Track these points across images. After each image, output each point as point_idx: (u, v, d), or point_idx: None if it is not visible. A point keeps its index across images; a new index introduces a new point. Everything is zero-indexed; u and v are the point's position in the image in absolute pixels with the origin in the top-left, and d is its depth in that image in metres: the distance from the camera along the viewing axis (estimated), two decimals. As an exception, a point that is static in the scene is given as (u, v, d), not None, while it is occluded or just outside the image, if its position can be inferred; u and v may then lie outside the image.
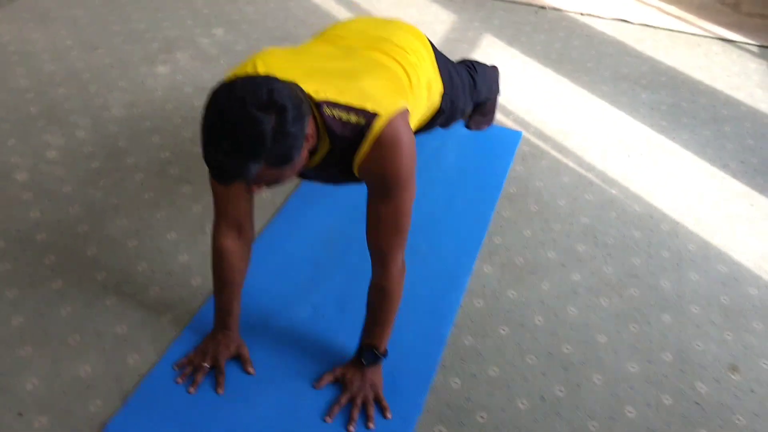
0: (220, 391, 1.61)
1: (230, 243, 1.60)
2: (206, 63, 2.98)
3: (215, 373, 1.64)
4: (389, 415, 1.57)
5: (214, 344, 1.67)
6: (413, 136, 1.43)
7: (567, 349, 1.80)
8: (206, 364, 1.64)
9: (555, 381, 1.71)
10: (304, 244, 2.06)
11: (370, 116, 1.36)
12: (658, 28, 3.61)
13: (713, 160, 2.60)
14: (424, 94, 1.72)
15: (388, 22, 1.85)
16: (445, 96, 1.85)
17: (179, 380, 1.63)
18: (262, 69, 1.43)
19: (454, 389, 1.68)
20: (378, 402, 1.60)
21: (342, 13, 3.53)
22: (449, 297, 1.91)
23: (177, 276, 1.93)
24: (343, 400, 1.60)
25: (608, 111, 2.85)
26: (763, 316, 1.94)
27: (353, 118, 1.35)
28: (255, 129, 1.17)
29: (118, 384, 1.64)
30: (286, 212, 2.18)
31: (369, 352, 1.60)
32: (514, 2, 3.77)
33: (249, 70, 1.45)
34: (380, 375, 1.63)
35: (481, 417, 1.61)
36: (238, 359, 1.68)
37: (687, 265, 2.10)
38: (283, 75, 1.34)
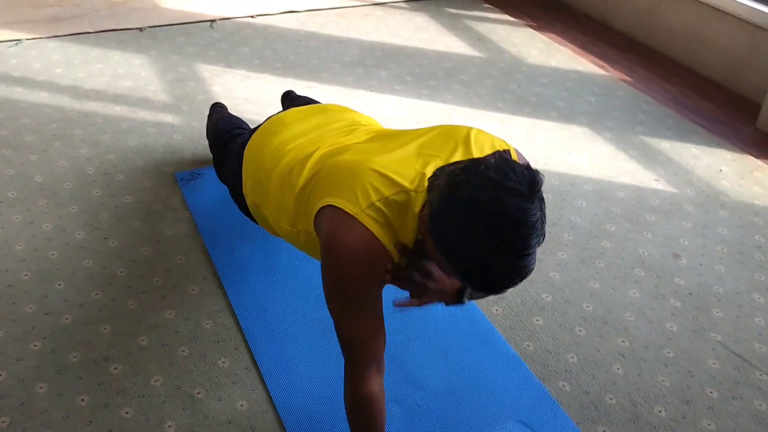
0: None
1: (378, 387, 1.41)
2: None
3: None
4: None
5: None
6: None
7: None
8: None
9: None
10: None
11: None
12: (324, 9, 3.83)
13: (485, 105, 3.00)
14: None
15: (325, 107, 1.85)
16: None
17: None
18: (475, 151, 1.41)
19: None
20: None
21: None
22: None
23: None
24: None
25: (370, 97, 3.01)
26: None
27: None
28: (543, 221, 1.12)
29: None
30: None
31: None
32: (184, 23, 3.57)
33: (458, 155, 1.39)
34: None
35: None
36: None
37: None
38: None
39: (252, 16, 3.71)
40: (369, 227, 1.31)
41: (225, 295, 1.97)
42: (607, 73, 3.33)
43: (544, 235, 1.18)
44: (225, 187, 2.36)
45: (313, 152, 1.60)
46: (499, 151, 1.38)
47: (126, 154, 2.53)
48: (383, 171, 1.37)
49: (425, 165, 1.38)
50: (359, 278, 1.33)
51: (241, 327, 1.87)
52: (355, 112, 1.85)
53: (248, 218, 1.95)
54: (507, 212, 1.14)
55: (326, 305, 1.41)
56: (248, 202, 1.80)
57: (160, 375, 1.74)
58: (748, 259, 2.23)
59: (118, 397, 1.68)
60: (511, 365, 1.82)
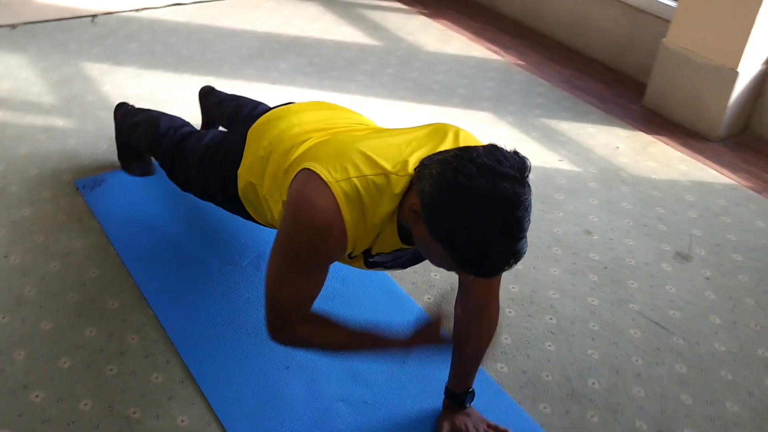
0: None
1: (305, 321, 1.43)
2: None
3: None
4: None
5: None
6: None
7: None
8: None
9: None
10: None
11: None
12: (213, 1, 3.69)
13: (390, 95, 3.00)
14: None
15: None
16: None
17: None
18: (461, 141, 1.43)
19: None
20: (497, 430, 1.63)
21: None
22: None
23: None
24: None
25: (273, 89, 2.94)
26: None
27: None
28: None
29: None
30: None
31: (469, 395, 1.63)
32: (61, 19, 3.34)
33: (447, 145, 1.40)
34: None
35: None
36: None
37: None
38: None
39: (136, 10, 3.52)
40: (338, 199, 1.30)
41: (148, 306, 1.87)
42: (501, 59, 3.41)
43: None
44: (134, 192, 2.25)
45: (312, 137, 1.58)
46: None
47: (17, 163, 2.34)
48: (368, 152, 1.36)
49: (411, 153, 1.37)
50: (309, 246, 1.32)
51: (170, 339, 1.79)
52: (358, 114, 1.83)
53: (226, 206, 1.88)
54: (504, 197, 1.16)
55: (264, 283, 1.40)
56: (240, 182, 1.72)
57: (89, 398, 1.63)
58: (653, 231, 2.36)
59: (43, 427, 1.55)
60: (446, 351, 1.84)
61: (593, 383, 1.80)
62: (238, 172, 1.72)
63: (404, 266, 1.59)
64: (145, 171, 2.32)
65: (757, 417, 1.76)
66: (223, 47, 3.24)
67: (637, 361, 1.88)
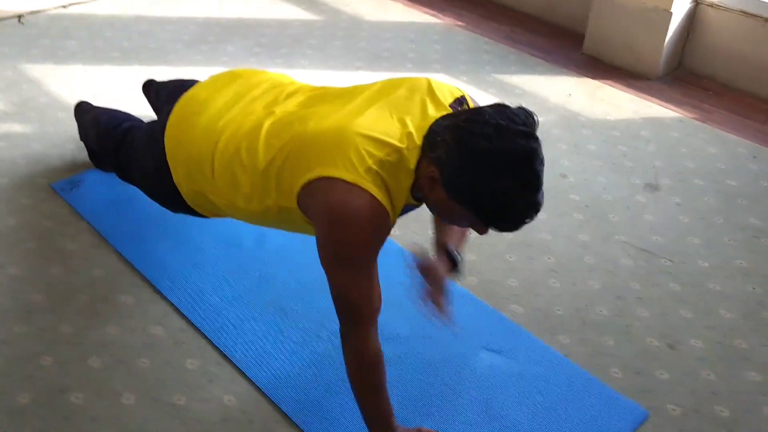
0: None
1: (379, 344, 1.44)
2: None
3: None
4: None
5: None
6: None
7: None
8: None
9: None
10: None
11: None
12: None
13: (344, 66, 3.03)
14: None
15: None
16: None
17: None
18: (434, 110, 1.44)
19: None
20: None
21: None
22: None
23: None
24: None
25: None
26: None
27: None
28: None
29: None
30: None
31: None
32: (-14, 22, 3.19)
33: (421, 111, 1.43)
34: None
35: None
36: None
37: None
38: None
39: (64, 6, 3.39)
40: (371, 191, 1.32)
41: (164, 298, 1.86)
42: (441, 21, 3.49)
43: None
44: (116, 188, 2.21)
45: (258, 125, 1.54)
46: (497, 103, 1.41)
47: (-15, 174, 2.26)
48: (370, 134, 1.37)
49: (403, 123, 1.40)
50: (368, 242, 1.35)
51: (195, 325, 1.79)
52: (264, 72, 1.80)
53: (174, 210, 1.86)
54: (522, 153, 1.23)
55: (332, 297, 1.41)
56: (184, 191, 1.70)
57: (129, 392, 1.62)
58: (620, 167, 2.50)
59: (93, 425, 1.55)
60: (465, 301, 1.92)
61: (601, 311, 1.93)
62: (175, 180, 1.70)
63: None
64: None
65: (750, 320, 1.93)
66: (164, 36, 3.17)
67: (634, 285, 2.01)
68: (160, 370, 1.68)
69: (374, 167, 1.33)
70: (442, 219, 1.41)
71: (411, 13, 3.55)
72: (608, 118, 2.79)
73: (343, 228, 1.33)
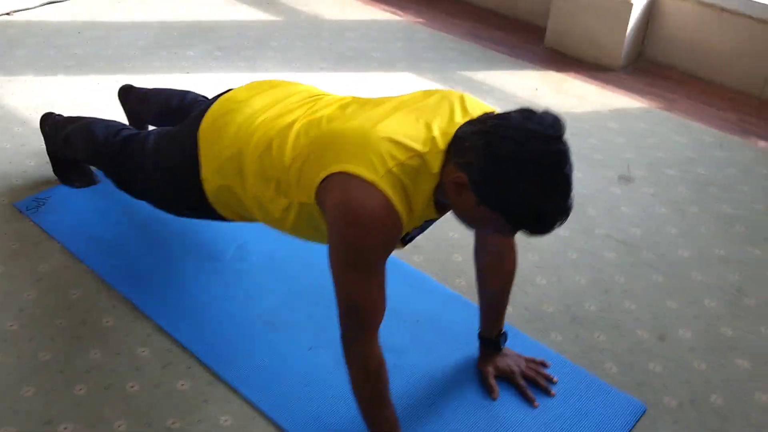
0: None
1: (381, 352, 1.42)
2: None
3: None
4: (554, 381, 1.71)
5: None
6: None
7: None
8: None
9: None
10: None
11: None
12: (89, -5, 3.47)
13: (309, 67, 2.98)
14: None
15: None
16: None
17: None
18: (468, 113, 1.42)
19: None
20: (535, 363, 1.73)
21: None
22: None
23: None
24: (522, 381, 1.68)
25: (188, 78, 2.84)
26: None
27: None
28: None
29: None
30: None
31: (502, 337, 1.71)
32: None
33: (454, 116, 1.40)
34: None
35: None
36: None
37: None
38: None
39: (7, 14, 3.25)
40: (387, 193, 1.30)
41: (146, 317, 1.80)
42: (402, 18, 3.47)
43: None
44: (84, 204, 2.13)
45: (290, 123, 1.53)
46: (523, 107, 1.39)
47: (-58, 195, 2.14)
48: (393, 137, 1.35)
49: (429, 127, 1.37)
50: (378, 244, 1.33)
51: (182, 345, 1.73)
52: (300, 83, 1.77)
53: (180, 211, 1.83)
54: (552, 158, 1.22)
55: (336, 295, 1.37)
56: (209, 187, 1.64)
57: (121, 418, 1.56)
58: (592, 160, 2.53)
59: (85, 458, 1.48)
60: (455, 304, 1.91)
61: (589, 306, 1.94)
62: (202, 176, 1.66)
63: (423, 230, 1.63)
64: (89, 181, 2.20)
65: (733, 307, 1.96)
66: (118, 42, 3.07)
67: (620, 278, 2.03)
68: (151, 393, 1.62)
69: (394, 170, 1.32)
70: (468, 224, 1.40)
71: (370, 11, 3.51)
72: (575, 110, 2.81)
73: (357, 228, 1.31)
